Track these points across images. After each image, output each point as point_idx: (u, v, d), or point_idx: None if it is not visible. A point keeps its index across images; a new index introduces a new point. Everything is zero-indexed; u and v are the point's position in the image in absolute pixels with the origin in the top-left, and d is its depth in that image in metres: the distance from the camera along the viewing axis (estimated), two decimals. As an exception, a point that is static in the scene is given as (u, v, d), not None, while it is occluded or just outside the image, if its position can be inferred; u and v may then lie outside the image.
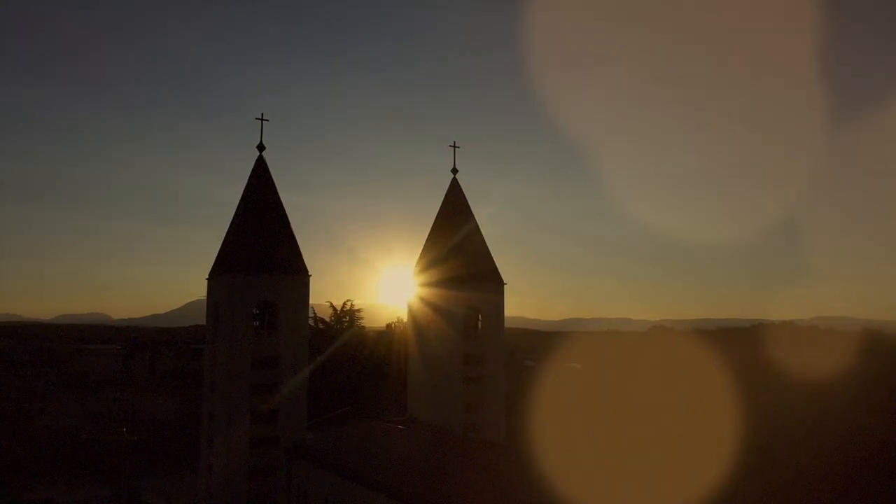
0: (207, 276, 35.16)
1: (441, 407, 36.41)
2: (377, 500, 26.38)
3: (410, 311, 39.66)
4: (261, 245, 33.71)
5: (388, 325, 62.71)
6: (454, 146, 40.00)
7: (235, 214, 35.01)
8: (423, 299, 38.60)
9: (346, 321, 57.67)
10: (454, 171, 40.10)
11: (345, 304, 58.54)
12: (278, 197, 35.20)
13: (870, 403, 58.85)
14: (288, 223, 35.02)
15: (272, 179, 35.36)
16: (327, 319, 58.13)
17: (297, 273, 34.18)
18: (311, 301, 62.03)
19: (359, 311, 58.77)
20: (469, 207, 39.74)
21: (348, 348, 54.57)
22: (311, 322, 58.63)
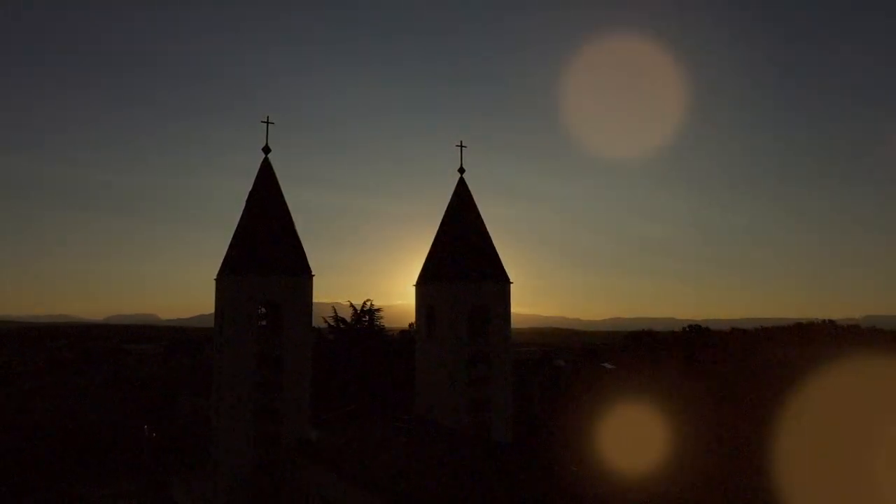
0: (215, 278, 35.85)
1: (447, 406, 36.45)
2: (368, 499, 26.61)
3: (417, 311, 39.82)
4: (264, 247, 34.25)
5: (410, 325, 62.97)
6: (461, 146, 40.10)
7: (241, 216, 35.62)
8: (429, 298, 38.80)
9: (365, 321, 58.11)
10: (461, 170, 40.22)
11: (364, 303, 59.01)
12: (283, 199, 35.75)
13: None
14: (292, 225, 35.54)
15: (277, 181, 35.93)
16: (347, 319, 58.61)
17: (300, 274, 34.64)
18: (331, 301, 62.80)
19: (378, 310, 59.13)
20: (476, 207, 39.74)
21: (364, 347, 55.03)
22: (331, 322, 59.44)
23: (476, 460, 29.21)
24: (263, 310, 35.06)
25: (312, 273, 35.01)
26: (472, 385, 36.80)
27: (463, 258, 37.82)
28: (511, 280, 38.81)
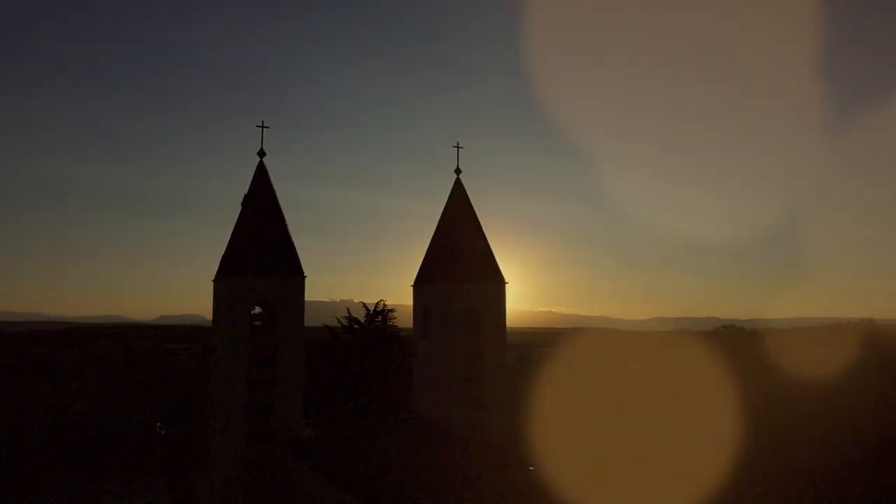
0: (213, 279, 36.77)
1: (442, 405, 36.79)
2: (345, 498, 27.04)
3: (415, 311, 40.23)
4: (258, 249, 35.09)
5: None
6: (457, 146, 40.36)
7: (237, 220, 36.45)
8: (425, 299, 39.18)
9: (378, 321, 58.64)
10: (457, 171, 40.48)
11: (377, 303, 59.59)
12: (277, 201, 36.59)
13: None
14: (285, 227, 36.34)
15: (271, 184, 36.80)
16: (360, 320, 59.22)
17: (292, 275, 35.41)
18: (346, 300, 63.30)
19: (392, 310, 59.61)
20: (472, 207, 40.00)
21: (371, 347, 55.56)
22: (344, 322, 60.19)
23: (459, 459, 29.44)
24: (260, 310, 35.96)
25: (304, 274, 35.76)
26: (467, 384, 37.06)
27: (456, 259, 38.10)
28: (507, 280, 38.99)
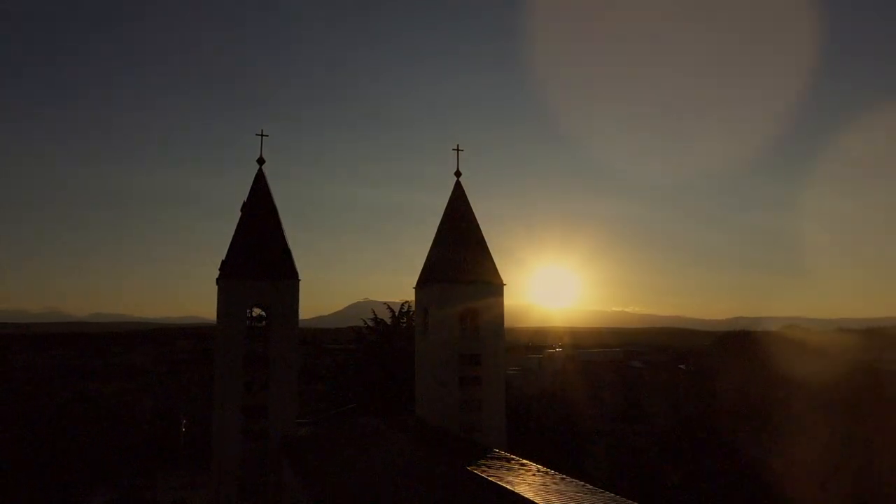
0: (216, 281, 38.18)
1: (440, 407, 37.04)
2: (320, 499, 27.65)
3: (416, 312, 40.69)
4: (255, 253, 36.32)
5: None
6: (457, 149, 40.57)
7: (237, 225, 37.77)
8: (425, 300, 39.59)
9: (403, 322, 59.25)
10: (457, 174, 40.69)
11: (402, 305, 60.24)
12: (274, 206, 37.80)
13: None
14: (281, 231, 37.51)
15: (269, 190, 38.06)
16: (387, 321, 59.97)
17: (287, 278, 36.48)
18: (370, 300, 64.39)
19: (417, 311, 59.94)
20: (471, 210, 40.12)
21: (395, 348, 56.12)
22: (370, 324, 61.13)
23: (444, 459, 29.63)
24: (263, 313, 37.17)
25: (299, 278, 36.78)
26: (463, 386, 37.22)
27: (455, 261, 38.31)
28: (504, 282, 38.94)
